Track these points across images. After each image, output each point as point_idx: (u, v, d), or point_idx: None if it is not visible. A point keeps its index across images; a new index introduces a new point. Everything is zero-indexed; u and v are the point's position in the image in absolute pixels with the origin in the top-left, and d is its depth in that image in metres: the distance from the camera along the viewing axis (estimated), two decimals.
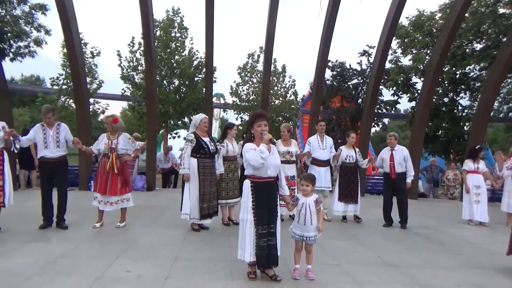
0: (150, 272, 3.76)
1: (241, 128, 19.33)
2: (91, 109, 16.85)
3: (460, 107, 16.33)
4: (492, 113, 14.31)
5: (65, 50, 13.69)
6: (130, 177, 9.80)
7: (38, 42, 14.47)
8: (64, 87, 16.15)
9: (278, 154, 3.81)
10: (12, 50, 14.12)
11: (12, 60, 14.22)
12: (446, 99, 16.29)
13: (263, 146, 3.52)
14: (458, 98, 16.38)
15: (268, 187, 3.61)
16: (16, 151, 5.55)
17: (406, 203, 6.62)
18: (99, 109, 17.76)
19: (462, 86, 15.99)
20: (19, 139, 5.27)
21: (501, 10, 14.75)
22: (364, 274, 3.98)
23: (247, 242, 3.54)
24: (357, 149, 6.95)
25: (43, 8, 14.45)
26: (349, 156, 6.76)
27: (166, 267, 3.90)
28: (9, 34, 13.68)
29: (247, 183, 3.62)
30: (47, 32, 14.74)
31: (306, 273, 3.75)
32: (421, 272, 4.12)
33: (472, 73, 15.93)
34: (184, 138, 5.73)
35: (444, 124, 16.07)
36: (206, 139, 5.63)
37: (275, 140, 3.68)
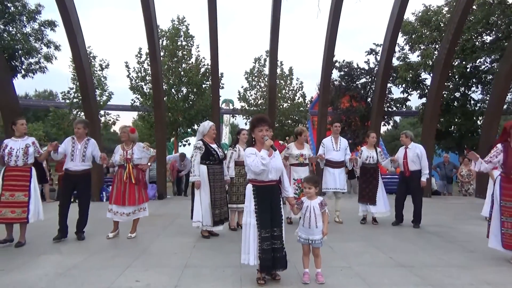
0: (160, 281, 3.77)
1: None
2: (102, 121, 17.14)
3: (472, 101, 16.04)
4: (505, 106, 14.06)
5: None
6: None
7: (48, 58, 14.84)
8: (75, 100, 16.44)
9: (280, 157, 3.79)
10: (23, 67, 14.49)
11: (24, 76, 14.61)
12: (457, 94, 16.04)
13: (264, 152, 3.52)
14: (469, 92, 16.10)
15: (270, 190, 3.61)
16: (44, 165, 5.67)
17: (420, 203, 6.49)
18: (110, 120, 18.02)
19: (474, 80, 15.71)
20: (57, 152, 5.37)
21: (510, 1, 14.47)
22: (375, 276, 3.92)
23: (251, 246, 3.53)
24: (378, 149, 6.85)
25: (52, 24, 14.83)
26: (370, 157, 6.66)
27: (175, 275, 3.91)
28: (20, 52, 14.04)
29: (249, 187, 3.64)
30: (57, 48, 15.11)
31: (316, 277, 3.71)
32: (433, 272, 4.04)
33: (483, 66, 15.64)
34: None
35: (456, 119, 15.83)
36: (214, 146, 5.69)
37: (276, 147, 3.65)
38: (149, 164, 5.93)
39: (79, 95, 15.62)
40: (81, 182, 5.52)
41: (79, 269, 4.14)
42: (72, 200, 5.71)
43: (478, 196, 10.16)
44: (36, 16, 14.46)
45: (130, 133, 5.67)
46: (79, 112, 16.56)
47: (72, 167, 5.44)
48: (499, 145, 4.48)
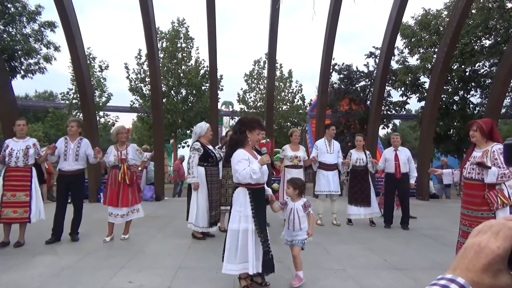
0: (152, 282, 3.76)
1: None
2: (102, 122, 17.16)
3: (471, 105, 16.06)
4: (503, 110, 14.07)
5: None
6: (139, 187, 9.99)
7: (48, 59, 14.87)
8: (74, 101, 16.47)
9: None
10: (23, 67, 14.53)
11: (23, 77, 14.64)
12: (456, 98, 16.05)
13: (256, 165, 3.28)
14: (468, 96, 16.12)
15: (263, 193, 3.56)
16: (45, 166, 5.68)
17: (408, 204, 6.58)
18: (109, 121, 18.05)
19: (472, 84, 15.72)
20: (54, 154, 5.36)
21: (509, 5, 14.51)
22: (369, 279, 3.92)
23: (251, 253, 3.30)
24: (367, 152, 6.89)
25: (52, 25, 14.87)
26: (359, 159, 6.70)
27: (168, 277, 3.91)
28: (19, 52, 14.08)
29: (242, 191, 3.40)
30: (56, 49, 15.14)
31: (294, 278, 3.67)
32: (427, 275, 4.03)
33: (482, 70, 15.66)
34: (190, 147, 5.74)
35: (455, 123, 15.83)
36: (211, 147, 5.70)
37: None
38: (139, 168, 5.91)
39: (78, 96, 15.69)
40: (74, 182, 5.48)
41: (73, 270, 4.14)
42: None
43: None
44: (36, 17, 14.50)
45: (127, 133, 5.70)
46: (78, 113, 16.57)
47: (66, 167, 5.41)
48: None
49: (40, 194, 5.54)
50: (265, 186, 3.65)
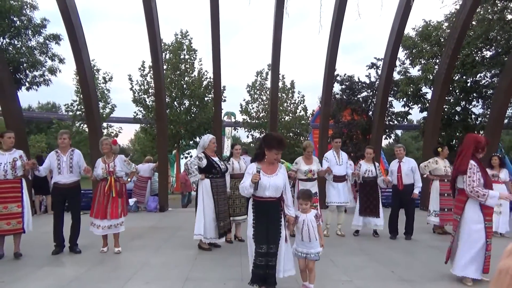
0: None
1: (252, 145, 19.56)
2: (105, 133, 17.24)
3: (473, 116, 16.13)
4: (506, 121, 14.11)
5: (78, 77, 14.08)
6: (143, 198, 10.01)
7: (53, 71, 15.03)
8: (78, 112, 16.58)
9: (283, 175, 3.69)
10: (28, 79, 14.67)
11: (28, 89, 14.78)
12: (458, 108, 16.13)
13: (247, 182, 3.51)
14: (470, 106, 16.20)
15: (268, 206, 3.57)
16: (30, 178, 5.66)
17: (413, 215, 6.57)
18: (112, 132, 18.14)
19: (474, 94, 15.81)
20: (38, 169, 5.35)
21: (509, 16, 14.66)
22: None
23: (251, 259, 3.56)
24: (377, 164, 6.92)
25: (56, 38, 15.07)
26: (369, 171, 6.75)
27: None
28: (24, 65, 14.24)
29: (250, 201, 3.67)
30: (61, 61, 15.32)
31: None
32: (435, 286, 4.02)
33: (483, 81, 15.76)
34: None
35: (457, 134, 15.87)
36: (216, 159, 5.72)
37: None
38: (128, 179, 5.91)
39: (82, 107, 15.81)
40: (72, 194, 5.49)
41: (80, 281, 4.14)
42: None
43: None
44: (41, 30, 14.71)
45: (113, 145, 5.64)
46: (82, 125, 16.68)
47: (62, 180, 5.38)
48: (473, 163, 4.03)
49: (30, 205, 5.51)
50: (287, 203, 3.67)
